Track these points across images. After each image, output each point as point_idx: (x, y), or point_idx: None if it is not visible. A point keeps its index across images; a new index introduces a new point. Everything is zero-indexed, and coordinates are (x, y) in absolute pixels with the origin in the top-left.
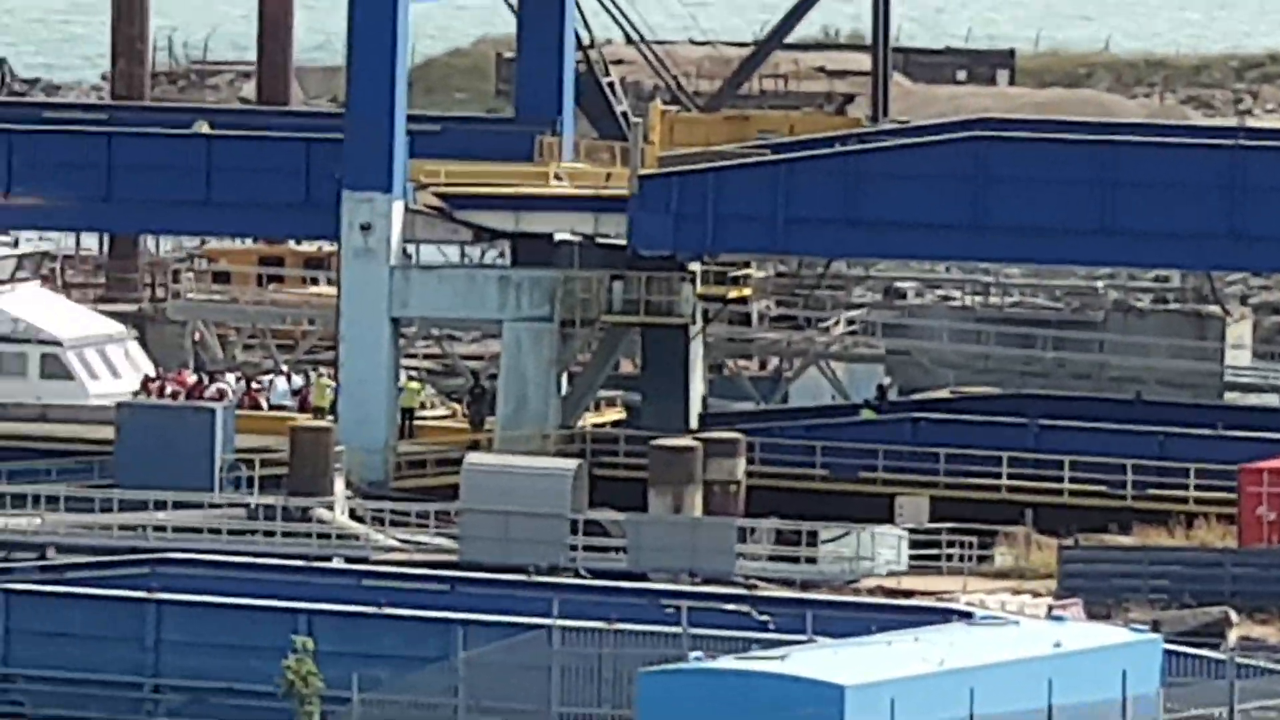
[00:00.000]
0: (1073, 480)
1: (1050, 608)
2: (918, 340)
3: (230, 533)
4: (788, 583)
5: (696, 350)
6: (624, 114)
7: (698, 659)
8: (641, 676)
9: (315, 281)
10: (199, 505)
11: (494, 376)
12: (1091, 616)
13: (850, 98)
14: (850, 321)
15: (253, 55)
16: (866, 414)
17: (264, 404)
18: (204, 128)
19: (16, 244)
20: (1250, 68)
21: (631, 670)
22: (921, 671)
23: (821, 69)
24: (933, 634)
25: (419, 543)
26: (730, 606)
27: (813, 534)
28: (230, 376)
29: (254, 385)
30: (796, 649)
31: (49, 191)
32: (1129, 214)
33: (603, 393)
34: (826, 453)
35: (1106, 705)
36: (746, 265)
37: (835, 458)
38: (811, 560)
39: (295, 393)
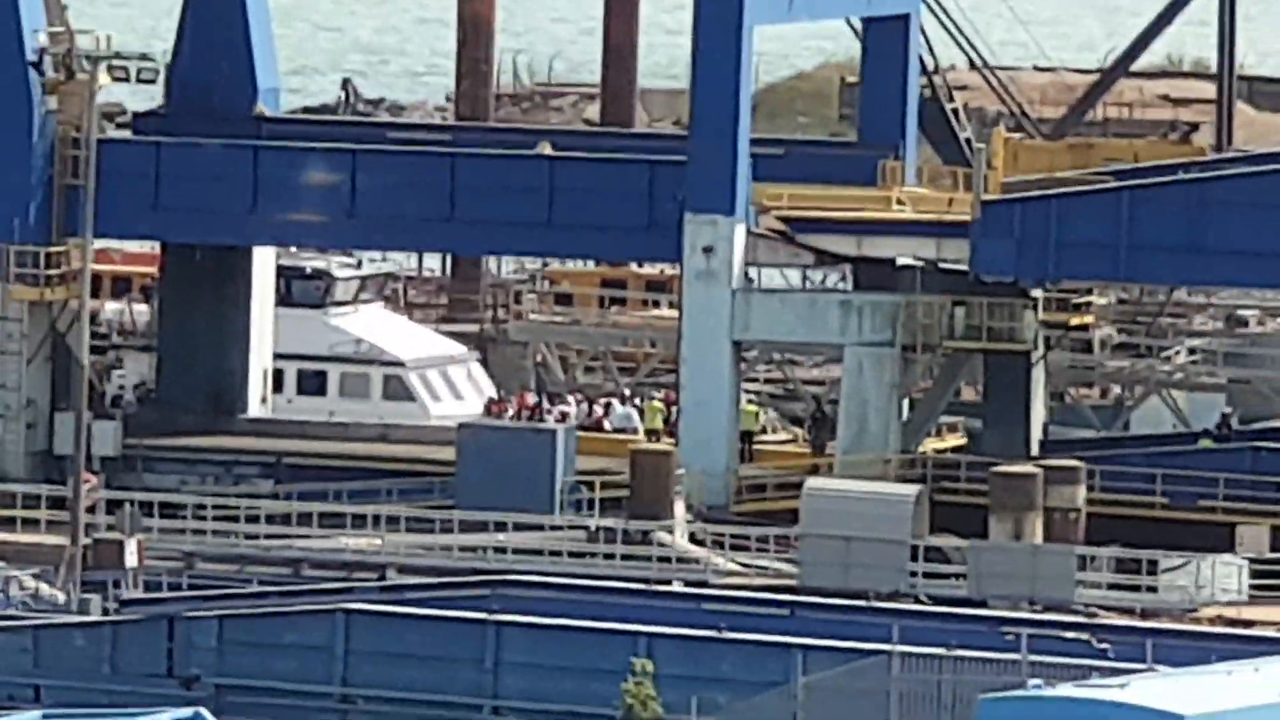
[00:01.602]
0: None
1: None
2: (1259, 369)
3: (570, 555)
4: (1128, 611)
5: (1038, 377)
6: (967, 140)
7: (1037, 686)
8: (981, 703)
9: (657, 304)
10: (539, 527)
11: (835, 401)
12: None
13: (1194, 126)
14: (1192, 350)
15: (597, 77)
16: (1205, 443)
17: (607, 426)
18: (547, 149)
19: (359, 265)
20: None
21: (970, 696)
22: (1262, 701)
23: (1166, 97)
24: (1273, 664)
25: (759, 567)
26: (1070, 634)
27: (1153, 562)
28: (571, 399)
29: (595, 408)
30: (1136, 677)
31: (392, 212)
32: None
33: (944, 418)
34: (1167, 481)
35: None
36: (1089, 292)
37: (1176, 486)
38: (1152, 589)
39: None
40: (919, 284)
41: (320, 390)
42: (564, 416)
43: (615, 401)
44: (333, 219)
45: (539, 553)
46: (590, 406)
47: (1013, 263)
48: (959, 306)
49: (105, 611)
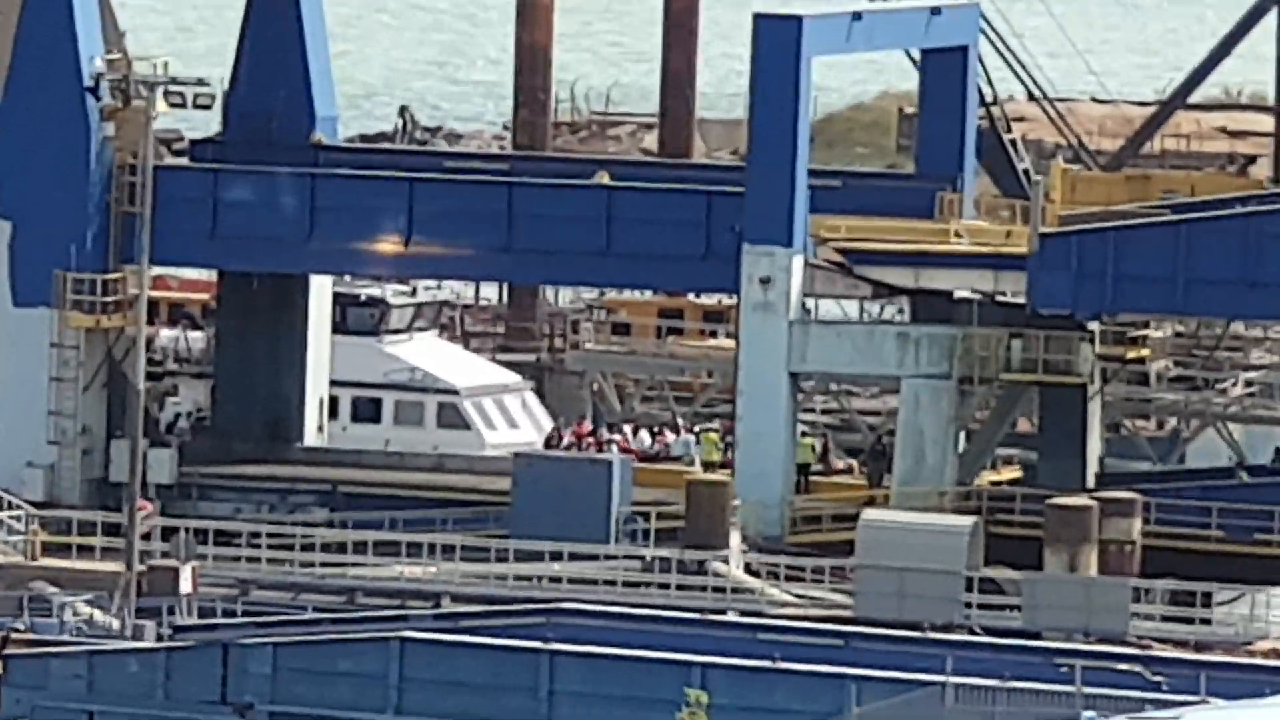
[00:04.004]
0: None
1: None
2: None
3: (625, 584)
4: (1182, 643)
5: (1094, 409)
6: (1025, 171)
7: (1091, 718)
8: None
9: (714, 334)
10: (595, 557)
11: (891, 433)
12: None
13: (1252, 159)
14: (1249, 383)
15: (655, 107)
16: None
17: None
18: (605, 179)
19: (414, 293)
20: None
21: None
22: None
23: (1224, 129)
24: None
25: (814, 598)
26: (1124, 666)
27: (1208, 595)
28: (627, 428)
29: (662, 436)
30: (1190, 710)
31: (449, 241)
32: None
33: (1000, 451)
34: (1222, 514)
35: None
36: (1145, 325)
37: (1231, 519)
38: (1206, 621)
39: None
40: (976, 316)
41: (375, 418)
42: (625, 448)
43: (671, 432)
44: (390, 248)
45: (594, 582)
46: (653, 436)
47: (1070, 295)
48: (1016, 339)
49: (160, 638)
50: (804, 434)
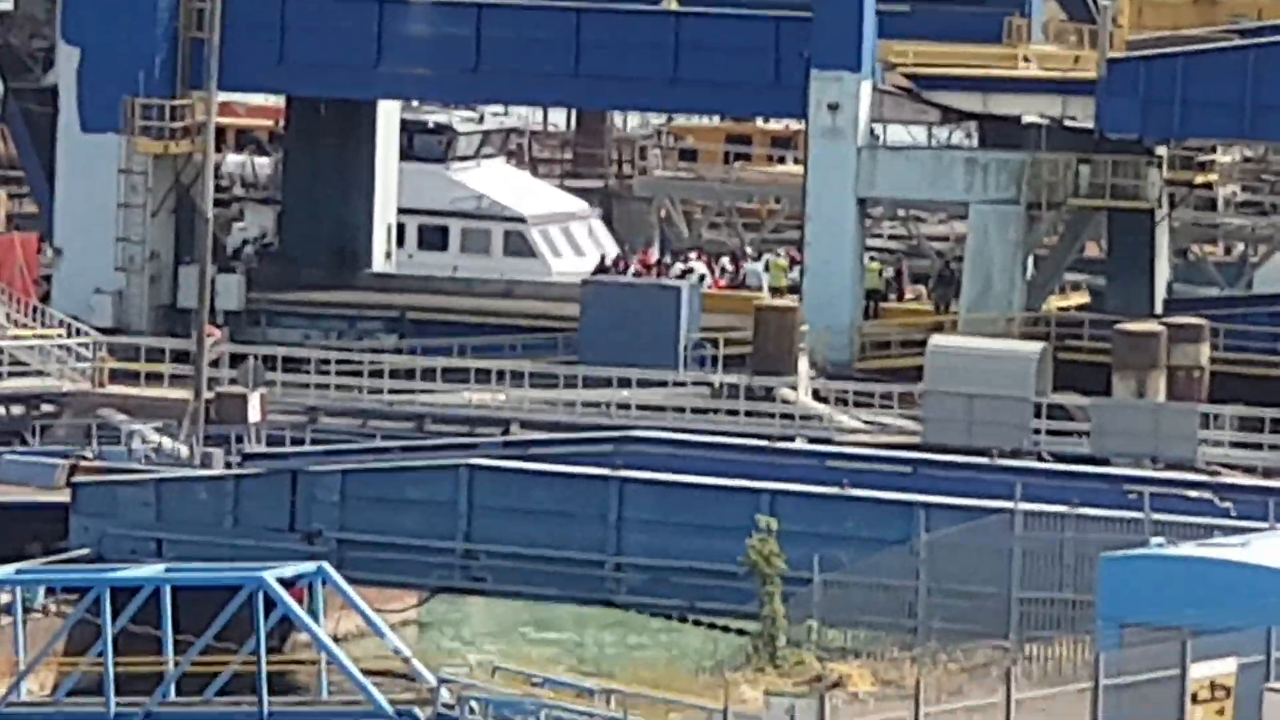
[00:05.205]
0: None
1: None
2: None
3: (694, 411)
4: (1250, 469)
5: (1162, 235)
6: None
7: (1159, 544)
8: (1103, 561)
9: (782, 160)
10: (663, 383)
11: (958, 259)
12: None
13: None
14: None
15: None
16: None
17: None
18: (673, 4)
19: (482, 119)
20: None
21: (1093, 555)
22: None
23: None
24: None
25: (882, 424)
26: (1193, 492)
27: (1276, 421)
28: (699, 258)
29: (741, 265)
30: (1258, 536)
31: (517, 66)
32: None
33: (1068, 276)
34: None
35: None
36: (1213, 150)
37: None
38: (1275, 447)
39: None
40: (1044, 141)
41: (442, 245)
42: (698, 274)
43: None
44: (457, 73)
45: (662, 409)
46: (737, 265)
47: (1138, 120)
48: (1084, 164)
49: (228, 465)
50: (872, 259)
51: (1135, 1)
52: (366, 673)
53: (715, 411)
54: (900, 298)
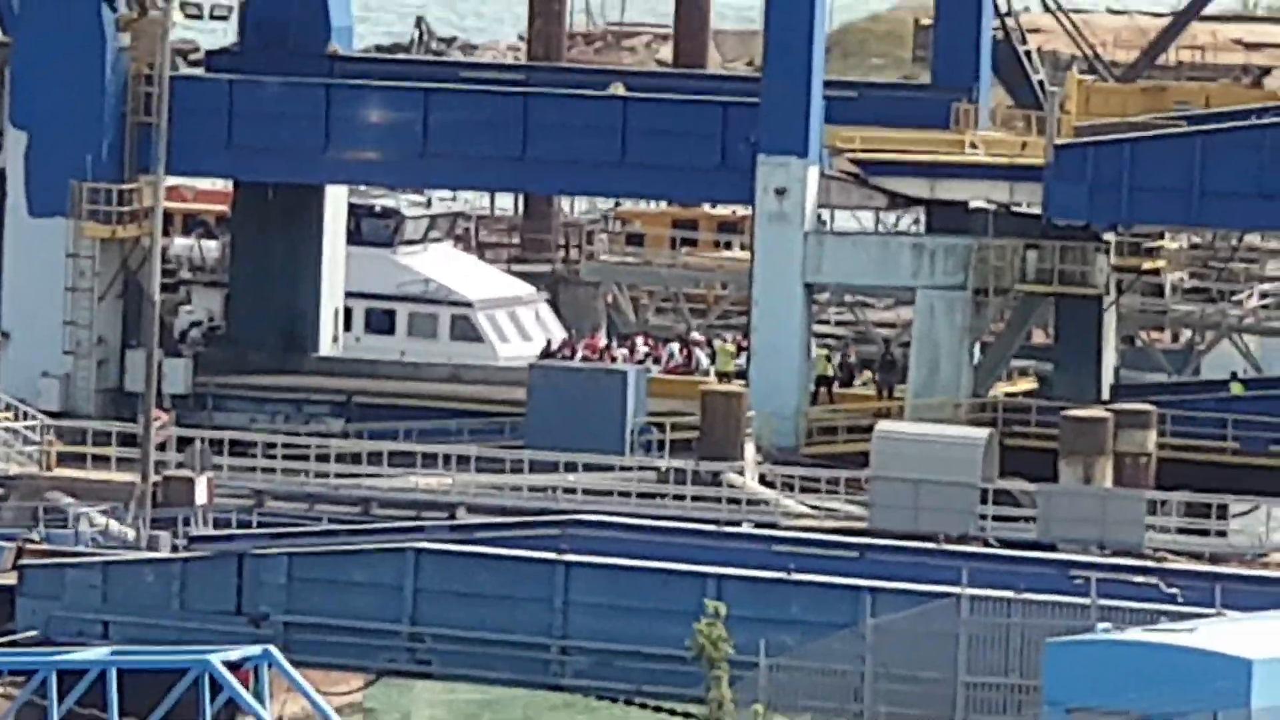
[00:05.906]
0: None
1: None
2: None
3: (640, 495)
4: (1197, 556)
5: (1109, 321)
6: (1040, 83)
7: (1106, 630)
8: (1049, 646)
9: (729, 245)
10: (610, 468)
11: (906, 344)
12: None
13: (1267, 70)
14: (1264, 294)
15: (670, 18)
16: (1236, 388)
17: (701, 365)
18: (620, 90)
19: (429, 204)
20: None
21: (1039, 640)
22: None
23: (1239, 41)
24: None
25: (829, 509)
26: (1139, 578)
27: (1223, 507)
28: (639, 340)
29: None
30: (1205, 622)
31: (464, 151)
32: None
33: (1015, 362)
34: (1238, 426)
35: None
36: (1161, 236)
37: (1247, 431)
38: (1221, 533)
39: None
40: (991, 227)
41: (389, 329)
42: (652, 359)
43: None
44: (405, 158)
45: (609, 493)
46: (688, 350)
47: (1085, 206)
48: (1031, 250)
49: (175, 548)
50: (820, 346)
51: (1083, 88)
52: None
53: (662, 496)
54: (847, 384)
